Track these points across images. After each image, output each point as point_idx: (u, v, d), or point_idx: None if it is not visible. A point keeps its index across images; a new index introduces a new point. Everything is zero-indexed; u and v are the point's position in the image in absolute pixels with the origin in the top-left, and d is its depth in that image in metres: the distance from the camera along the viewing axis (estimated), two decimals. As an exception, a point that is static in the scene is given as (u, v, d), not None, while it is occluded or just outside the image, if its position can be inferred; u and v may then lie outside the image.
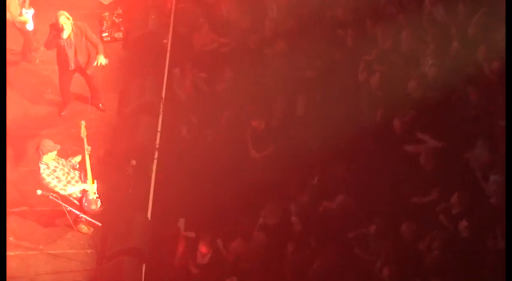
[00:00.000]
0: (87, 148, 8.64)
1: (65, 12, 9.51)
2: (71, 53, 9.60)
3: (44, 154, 8.17)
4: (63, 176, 8.37)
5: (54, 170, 8.29)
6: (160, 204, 9.35)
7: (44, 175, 8.22)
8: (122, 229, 8.69)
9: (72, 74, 10.07)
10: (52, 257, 8.95)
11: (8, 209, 9.16)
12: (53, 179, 8.26)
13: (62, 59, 9.78)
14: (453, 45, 10.42)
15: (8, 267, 8.57)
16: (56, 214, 8.82)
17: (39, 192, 8.13)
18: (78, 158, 8.75)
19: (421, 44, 10.71)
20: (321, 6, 11.64)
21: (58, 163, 8.38)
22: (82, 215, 8.34)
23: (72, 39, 9.49)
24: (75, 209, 8.35)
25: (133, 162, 9.76)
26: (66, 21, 9.36)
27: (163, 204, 9.34)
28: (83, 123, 8.73)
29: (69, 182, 8.43)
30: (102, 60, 9.70)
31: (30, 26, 10.58)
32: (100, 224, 8.72)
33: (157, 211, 9.29)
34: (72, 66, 9.78)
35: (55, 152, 8.28)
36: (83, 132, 8.64)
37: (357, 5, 11.45)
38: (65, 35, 9.39)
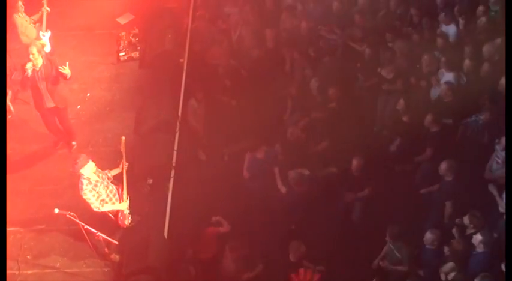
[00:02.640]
0: (125, 164, 8.69)
1: (38, 44, 9.54)
2: (43, 87, 9.44)
3: (80, 169, 8.22)
4: (103, 190, 8.41)
5: (96, 185, 8.33)
6: (177, 222, 9.32)
7: (86, 191, 8.25)
8: (139, 247, 8.66)
9: (53, 113, 9.85)
10: (69, 275, 8.93)
11: (26, 228, 9.22)
12: (94, 195, 8.30)
13: (37, 97, 9.58)
14: (466, 65, 10.39)
15: (25, 286, 8.63)
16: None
17: (56, 211, 8.14)
18: (114, 172, 8.76)
19: (435, 63, 10.71)
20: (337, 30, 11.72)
21: (98, 176, 8.41)
22: (99, 233, 8.34)
23: (43, 72, 9.36)
24: (93, 228, 8.36)
25: (150, 180, 9.78)
26: (35, 53, 9.23)
27: (180, 222, 9.31)
28: (123, 139, 8.76)
29: (109, 198, 8.48)
30: (66, 70, 9.37)
31: (47, 48, 10.67)
32: (117, 243, 8.74)
33: (174, 229, 9.25)
34: (47, 104, 9.57)
35: (94, 164, 8.31)
36: (123, 148, 8.68)
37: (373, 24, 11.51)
38: (29, 66, 9.22)
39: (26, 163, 10.08)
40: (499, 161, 9.28)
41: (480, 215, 8.53)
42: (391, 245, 8.80)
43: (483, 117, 9.62)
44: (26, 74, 9.24)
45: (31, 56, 9.20)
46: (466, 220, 8.56)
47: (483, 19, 10.87)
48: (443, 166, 9.04)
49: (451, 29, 11.04)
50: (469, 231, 8.57)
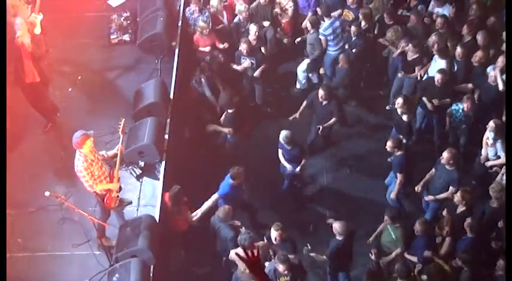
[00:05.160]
0: (120, 147, 8.66)
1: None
2: (27, 61, 9.46)
3: (79, 147, 8.18)
4: (97, 171, 8.39)
5: (91, 164, 8.31)
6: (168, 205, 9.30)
7: (82, 168, 8.23)
8: (130, 230, 8.66)
9: (34, 89, 9.87)
10: (60, 258, 8.95)
11: (16, 211, 9.18)
12: (88, 173, 8.29)
13: (18, 71, 9.59)
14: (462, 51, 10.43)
15: (15, 268, 8.59)
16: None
17: (47, 193, 8.14)
18: (111, 152, 8.76)
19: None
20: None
21: (94, 156, 8.38)
22: (90, 216, 8.33)
23: (31, 48, 9.40)
24: (84, 211, 8.36)
25: (141, 163, 9.77)
26: (19, 24, 9.32)
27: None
28: (123, 120, 8.74)
29: (100, 179, 8.44)
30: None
31: (37, 30, 10.59)
32: (108, 226, 8.75)
33: (165, 212, 9.24)
34: (28, 78, 9.61)
35: (91, 140, 8.26)
36: (121, 130, 8.65)
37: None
38: (19, 33, 9.30)
39: (16, 145, 10.03)
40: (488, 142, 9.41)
41: (472, 191, 8.67)
42: (388, 226, 8.84)
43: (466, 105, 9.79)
44: (16, 41, 9.27)
45: (16, 26, 9.28)
46: (457, 197, 8.67)
47: (473, 7, 10.92)
48: (445, 154, 9.11)
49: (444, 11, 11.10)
50: (460, 209, 8.69)
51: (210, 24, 11.46)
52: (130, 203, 9.49)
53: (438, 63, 10.37)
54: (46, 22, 10.81)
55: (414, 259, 8.67)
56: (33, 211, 9.30)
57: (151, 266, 8.52)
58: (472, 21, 10.67)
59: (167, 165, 9.69)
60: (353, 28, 10.93)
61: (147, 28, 11.14)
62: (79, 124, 10.23)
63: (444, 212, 8.94)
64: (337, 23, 11.37)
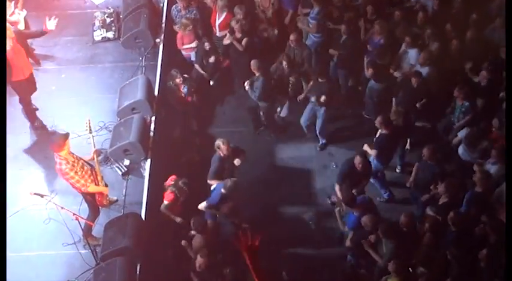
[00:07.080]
0: (95, 145, 8.73)
1: None
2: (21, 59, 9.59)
3: (60, 150, 8.16)
4: (80, 170, 8.37)
5: (73, 165, 8.28)
6: (154, 204, 9.29)
7: (67, 170, 8.21)
8: (116, 228, 8.63)
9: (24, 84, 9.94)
10: (46, 257, 8.93)
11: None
12: (75, 174, 8.28)
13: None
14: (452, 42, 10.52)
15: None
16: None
17: (32, 193, 8.11)
18: (87, 158, 8.76)
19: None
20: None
21: (73, 156, 8.37)
22: (76, 214, 8.30)
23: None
24: (70, 210, 8.33)
25: (127, 162, 9.75)
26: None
27: (157, 204, 9.28)
28: (89, 121, 8.75)
29: (84, 178, 8.42)
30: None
31: (21, 26, 10.55)
32: (93, 224, 8.72)
33: (151, 210, 9.23)
34: (18, 76, 9.68)
35: (67, 142, 8.25)
36: (89, 130, 8.69)
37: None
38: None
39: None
40: None
41: (456, 182, 8.74)
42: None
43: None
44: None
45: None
46: (441, 187, 8.72)
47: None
48: (425, 151, 9.21)
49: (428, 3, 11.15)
50: (443, 200, 8.74)
51: (198, 20, 11.41)
52: (116, 201, 9.48)
53: (410, 54, 10.53)
54: (29, 20, 10.79)
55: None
56: (19, 210, 9.23)
57: (138, 265, 8.50)
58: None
59: (152, 163, 9.67)
60: (343, 28, 10.85)
61: (131, 25, 11.07)
62: (62, 123, 10.28)
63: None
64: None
